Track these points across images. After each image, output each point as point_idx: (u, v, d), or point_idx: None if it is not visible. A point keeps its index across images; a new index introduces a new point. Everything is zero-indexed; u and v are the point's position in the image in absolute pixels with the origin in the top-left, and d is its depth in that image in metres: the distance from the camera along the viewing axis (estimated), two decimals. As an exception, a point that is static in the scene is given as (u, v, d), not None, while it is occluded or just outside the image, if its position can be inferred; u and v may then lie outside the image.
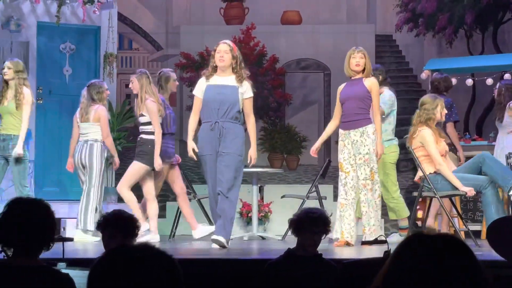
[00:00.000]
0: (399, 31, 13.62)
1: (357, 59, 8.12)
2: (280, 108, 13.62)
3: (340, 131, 8.19)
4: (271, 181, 12.51)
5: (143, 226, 8.56)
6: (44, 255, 3.50)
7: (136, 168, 8.92)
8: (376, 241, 7.86)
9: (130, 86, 9.08)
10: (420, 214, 9.96)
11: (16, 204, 3.43)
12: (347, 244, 8.04)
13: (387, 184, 9.00)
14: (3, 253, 3.41)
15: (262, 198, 11.37)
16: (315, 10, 13.81)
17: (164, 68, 9.83)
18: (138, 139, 9.06)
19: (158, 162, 8.85)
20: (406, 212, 9.08)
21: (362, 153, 8.06)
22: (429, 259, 2.07)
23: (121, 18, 12.67)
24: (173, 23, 13.67)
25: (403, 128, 12.86)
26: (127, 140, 11.53)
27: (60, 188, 10.86)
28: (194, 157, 7.75)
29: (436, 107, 8.12)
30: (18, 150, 8.68)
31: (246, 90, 7.78)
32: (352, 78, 8.17)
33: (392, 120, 9.21)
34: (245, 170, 10.89)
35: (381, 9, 13.71)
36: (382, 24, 13.72)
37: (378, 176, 8.19)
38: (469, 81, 11.72)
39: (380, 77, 8.83)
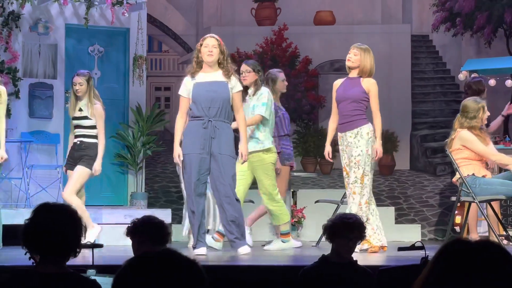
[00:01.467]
0: (435, 31, 13.40)
1: (350, 55, 8.04)
2: (313, 110, 13.45)
3: (338, 134, 8.02)
4: (305, 186, 12.33)
5: (94, 229, 8.72)
6: (74, 262, 3.46)
7: (82, 174, 8.75)
8: (413, 247, 7.65)
9: (77, 88, 8.80)
10: (458, 219, 9.77)
11: (43, 210, 3.37)
12: (381, 248, 7.88)
13: (269, 187, 8.59)
14: (32, 260, 3.37)
15: (295, 203, 11.26)
16: (349, 10, 13.62)
17: (272, 69, 9.62)
18: (78, 142, 8.85)
19: (99, 167, 8.76)
20: (288, 217, 8.76)
21: (354, 155, 7.90)
22: (469, 266, 2.03)
23: (151, 19, 12.56)
24: (203, 24, 13.55)
25: (440, 131, 12.68)
26: (156, 144, 11.41)
27: (88, 194, 10.72)
28: (179, 163, 7.45)
29: (478, 115, 7.89)
30: (2, 154, 8.34)
31: (235, 85, 7.53)
32: (350, 75, 8.07)
33: (273, 120, 8.83)
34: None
35: (417, 9, 13.49)
36: (418, 24, 13.51)
37: (368, 179, 7.94)
38: (509, 82, 11.44)
39: (260, 73, 8.64)
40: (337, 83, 8.15)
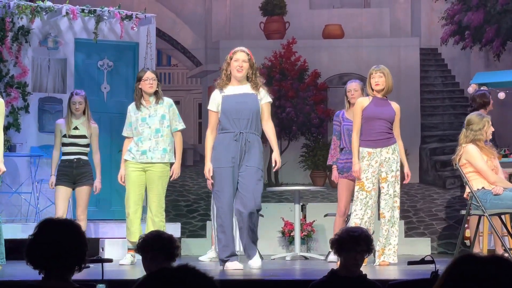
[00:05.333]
0: (444, 44, 13.40)
1: (376, 79, 8.19)
2: (323, 124, 13.44)
3: (367, 150, 8.10)
4: (314, 199, 12.31)
5: None
6: (85, 276, 3.41)
7: (89, 193, 9.06)
8: (423, 261, 7.64)
9: (77, 107, 8.99)
10: (468, 232, 9.73)
11: (46, 226, 3.37)
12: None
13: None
14: (42, 274, 3.36)
15: (304, 217, 11.24)
16: (357, 24, 13.62)
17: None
18: (75, 160, 9.01)
19: (100, 185, 9.08)
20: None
21: (394, 170, 8.15)
22: (479, 282, 2.02)
23: (160, 33, 12.58)
24: (212, 38, 13.59)
25: (449, 144, 12.65)
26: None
27: (99, 208, 10.74)
28: (210, 179, 7.39)
29: (483, 127, 7.94)
30: (0, 166, 8.34)
31: (263, 96, 7.48)
32: (376, 96, 8.20)
33: None
34: (287, 188, 10.73)
35: (425, 22, 13.48)
36: (427, 37, 13.50)
37: None
38: (501, 94, 11.38)
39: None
40: (364, 101, 8.20)
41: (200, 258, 9.53)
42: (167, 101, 8.58)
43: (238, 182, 7.38)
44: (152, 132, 8.45)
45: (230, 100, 7.40)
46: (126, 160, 8.53)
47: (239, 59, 7.42)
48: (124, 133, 8.65)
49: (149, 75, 8.54)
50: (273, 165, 7.46)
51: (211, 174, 7.37)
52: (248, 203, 7.30)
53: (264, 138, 7.61)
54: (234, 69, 7.42)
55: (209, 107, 7.58)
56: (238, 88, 7.45)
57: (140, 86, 8.54)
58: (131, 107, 8.61)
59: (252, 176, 7.33)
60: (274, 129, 7.60)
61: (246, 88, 7.46)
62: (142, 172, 8.46)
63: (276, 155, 7.45)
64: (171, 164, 8.53)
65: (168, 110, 8.50)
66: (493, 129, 8.11)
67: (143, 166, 8.45)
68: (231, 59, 7.46)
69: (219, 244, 7.45)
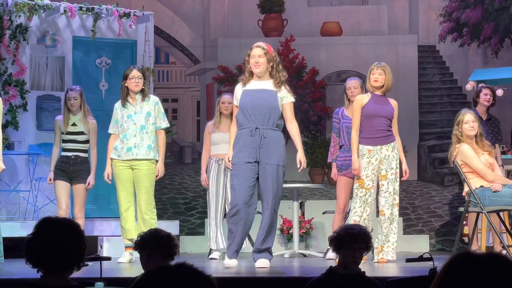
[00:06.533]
0: (442, 41, 13.41)
1: (375, 75, 8.18)
2: (321, 121, 13.45)
3: (367, 147, 8.08)
4: (312, 197, 12.31)
5: None
6: (83, 274, 3.43)
7: (86, 191, 8.99)
8: (421, 258, 7.65)
9: (72, 103, 8.94)
10: (466, 229, 9.75)
11: (45, 224, 3.38)
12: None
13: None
14: (40, 273, 3.37)
15: (303, 214, 11.23)
16: (355, 21, 13.63)
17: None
18: (73, 156, 8.98)
19: (93, 181, 8.95)
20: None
21: (394, 168, 8.15)
22: (477, 279, 2.01)
23: (158, 31, 12.58)
24: (210, 36, 13.59)
25: (447, 141, 12.67)
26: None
27: (97, 206, 10.73)
28: (230, 166, 7.38)
29: (458, 123, 8.01)
30: (0, 164, 8.30)
31: (285, 95, 7.43)
32: (375, 93, 8.20)
33: None
34: (286, 185, 10.72)
35: (423, 19, 13.50)
36: (425, 34, 13.52)
37: None
38: (500, 91, 11.38)
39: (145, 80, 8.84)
40: (363, 99, 8.18)
41: (211, 256, 9.46)
42: (153, 99, 8.62)
43: (258, 178, 7.34)
44: (137, 129, 8.48)
45: (248, 95, 7.37)
46: (112, 159, 8.54)
47: (255, 55, 7.38)
48: (110, 130, 8.67)
49: (135, 73, 8.57)
50: (298, 165, 7.42)
51: (230, 161, 7.34)
52: (265, 202, 7.32)
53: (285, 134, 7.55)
54: (252, 66, 7.38)
55: (234, 101, 7.63)
56: (258, 84, 7.40)
57: (126, 84, 8.57)
58: (117, 104, 8.65)
59: (271, 174, 7.31)
60: (298, 129, 7.55)
61: (267, 85, 7.40)
62: (129, 170, 8.48)
63: (300, 155, 7.43)
64: (157, 161, 8.54)
65: (154, 108, 8.54)
66: (472, 125, 8.05)
67: (129, 164, 8.47)
68: (249, 56, 7.44)
69: (228, 235, 7.49)
